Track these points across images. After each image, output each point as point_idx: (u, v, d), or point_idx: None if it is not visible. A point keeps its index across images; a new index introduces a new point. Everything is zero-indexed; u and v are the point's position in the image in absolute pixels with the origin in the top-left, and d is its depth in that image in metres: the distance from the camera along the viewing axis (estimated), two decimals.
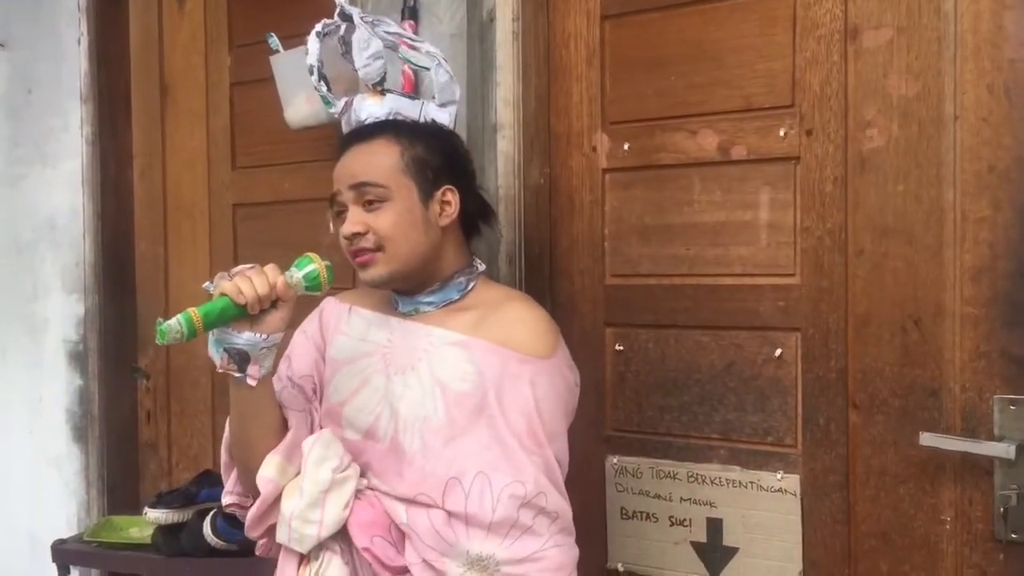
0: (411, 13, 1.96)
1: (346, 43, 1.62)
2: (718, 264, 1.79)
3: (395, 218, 1.51)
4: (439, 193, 1.55)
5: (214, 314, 1.37)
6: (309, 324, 1.68)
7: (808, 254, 1.70)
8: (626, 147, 1.88)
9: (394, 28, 1.66)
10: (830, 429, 1.68)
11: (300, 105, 2.07)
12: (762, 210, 1.74)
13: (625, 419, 1.89)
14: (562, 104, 1.96)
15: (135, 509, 2.62)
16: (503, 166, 1.92)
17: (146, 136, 2.66)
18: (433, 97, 1.64)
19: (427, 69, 1.66)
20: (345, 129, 1.63)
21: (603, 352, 1.91)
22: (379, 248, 1.51)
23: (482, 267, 1.63)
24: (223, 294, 1.39)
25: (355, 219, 1.52)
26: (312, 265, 1.45)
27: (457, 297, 1.57)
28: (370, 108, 1.60)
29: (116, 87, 2.67)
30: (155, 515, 2.16)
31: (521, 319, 1.53)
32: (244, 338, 1.41)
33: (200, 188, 2.56)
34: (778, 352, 1.73)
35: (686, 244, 1.82)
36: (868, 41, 1.63)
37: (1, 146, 2.79)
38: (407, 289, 1.58)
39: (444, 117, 1.63)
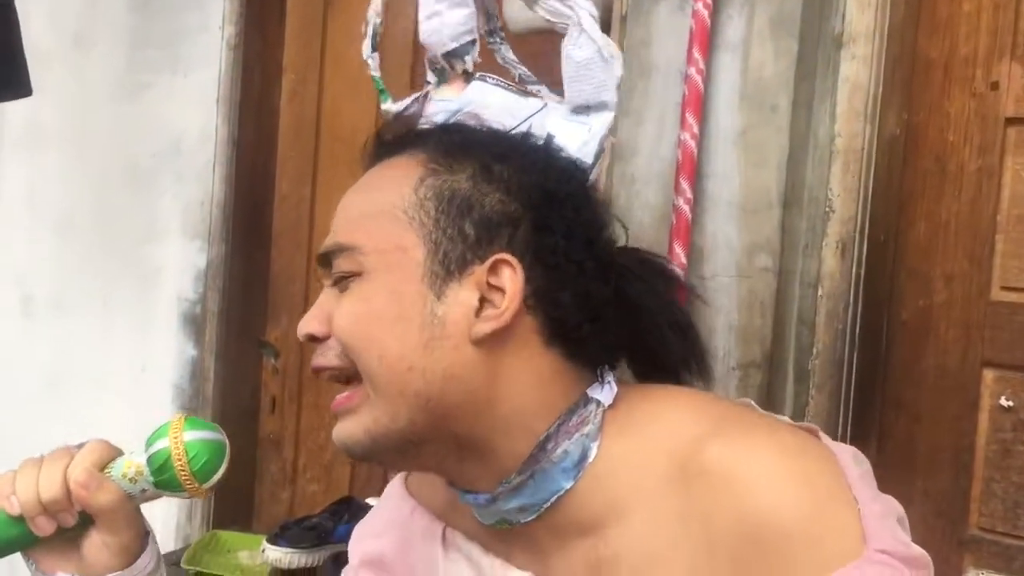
0: None
1: None
2: None
3: (357, 304, 0.74)
4: (479, 267, 0.73)
5: None
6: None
7: None
8: None
9: None
10: None
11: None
12: None
13: (1004, 515, 1.32)
14: (941, 15, 1.28)
15: (247, 520, 2.09)
16: (847, 102, 1.26)
17: (302, 45, 2.11)
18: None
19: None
20: None
21: (976, 407, 1.32)
22: (354, 374, 0.75)
23: (607, 399, 0.75)
24: None
25: (313, 310, 0.78)
26: (163, 441, 0.74)
27: (568, 486, 0.74)
28: (439, 104, 0.95)
29: None
30: (276, 555, 1.58)
31: (751, 484, 0.66)
32: None
33: (366, 116, 1.98)
34: None
35: None
36: None
37: (121, 47, 2.24)
38: (446, 475, 0.80)
39: (576, 133, 0.89)
